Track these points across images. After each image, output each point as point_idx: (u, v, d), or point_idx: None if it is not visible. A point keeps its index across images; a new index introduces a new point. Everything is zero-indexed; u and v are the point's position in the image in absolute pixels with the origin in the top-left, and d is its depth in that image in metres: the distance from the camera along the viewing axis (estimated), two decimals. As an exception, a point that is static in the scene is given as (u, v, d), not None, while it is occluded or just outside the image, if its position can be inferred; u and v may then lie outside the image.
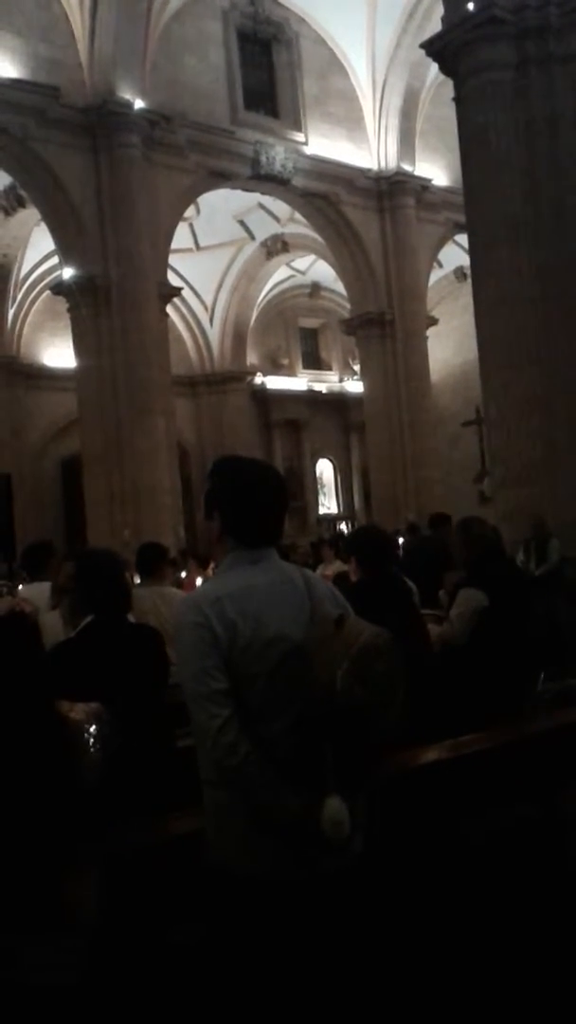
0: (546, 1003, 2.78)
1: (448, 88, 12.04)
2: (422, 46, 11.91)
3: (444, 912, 2.78)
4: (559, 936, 2.93)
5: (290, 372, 26.32)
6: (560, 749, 3.37)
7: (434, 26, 12.37)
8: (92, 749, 2.67)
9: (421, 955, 2.72)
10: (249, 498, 2.25)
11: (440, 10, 11.36)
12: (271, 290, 24.81)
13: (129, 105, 15.38)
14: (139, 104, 15.51)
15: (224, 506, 2.25)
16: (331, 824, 2.01)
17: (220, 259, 22.70)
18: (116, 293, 15.35)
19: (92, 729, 2.69)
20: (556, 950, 2.90)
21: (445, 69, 11.47)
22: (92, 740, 2.68)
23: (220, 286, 23.43)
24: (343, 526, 24.98)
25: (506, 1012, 2.74)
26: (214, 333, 24.03)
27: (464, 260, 15.95)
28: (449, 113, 12.02)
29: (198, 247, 21.63)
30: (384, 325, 19.82)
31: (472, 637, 4.42)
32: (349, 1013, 2.17)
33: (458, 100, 11.13)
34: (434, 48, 11.33)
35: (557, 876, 2.98)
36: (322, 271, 23.48)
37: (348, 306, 21.21)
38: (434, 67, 13.37)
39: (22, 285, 20.44)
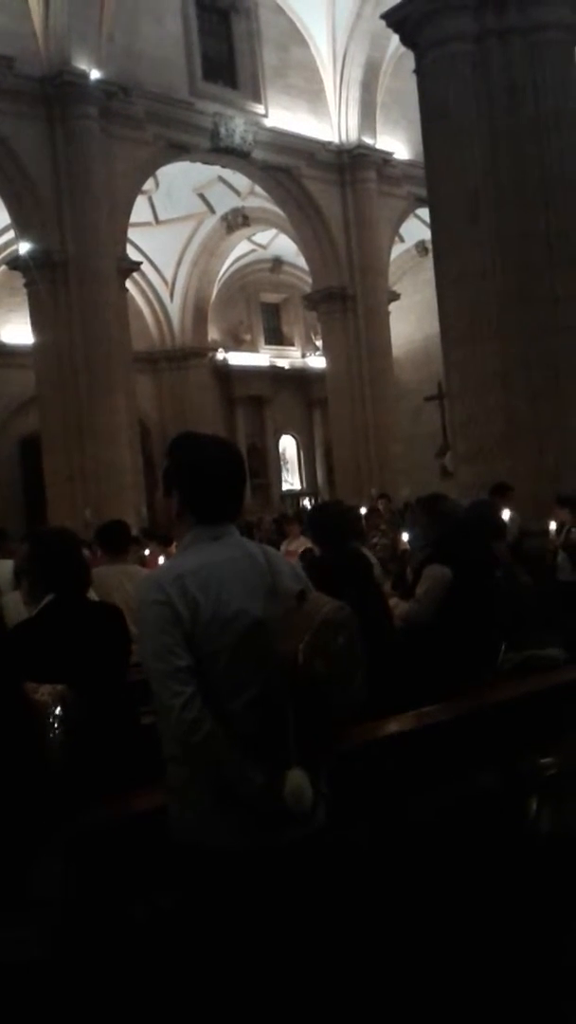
0: (506, 963, 2.84)
1: (409, 60, 11.97)
2: (383, 17, 11.78)
3: (408, 878, 2.81)
4: (518, 898, 2.99)
5: (252, 348, 26.19)
6: (520, 718, 3.42)
7: (394, -4, 12.25)
8: (57, 730, 2.66)
9: (387, 922, 2.76)
10: (208, 474, 2.26)
11: (400, -20, 11.25)
12: (232, 264, 24.61)
13: (85, 75, 15.08)
14: (95, 74, 15.21)
15: (183, 483, 2.25)
16: (294, 796, 2.04)
17: (180, 233, 22.45)
18: (74, 268, 15.12)
19: (57, 711, 2.68)
20: (515, 912, 2.96)
21: (406, 41, 11.38)
22: (57, 722, 2.67)
23: (180, 261, 23.19)
24: (307, 502, 25.03)
25: (469, 974, 2.80)
26: (174, 308, 23.80)
27: (425, 234, 15.93)
28: (410, 86, 11.94)
29: (157, 221, 21.37)
30: (346, 300, 19.79)
31: (439, 614, 4.46)
32: (318, 980, 2.21)
33: (419, 72, 11.05)
34: (394, 19, 11.22)
35: (516, 841, 3.04)
36: (284, 245, 23.33)
37: (310, 281, 21.12)
38: (395, 38, 13.25)
39: (-23, 260, 20.08)
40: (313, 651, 2.03)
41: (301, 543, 9.33)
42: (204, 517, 2.24)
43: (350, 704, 2.15)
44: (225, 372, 25.06)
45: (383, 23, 11.88)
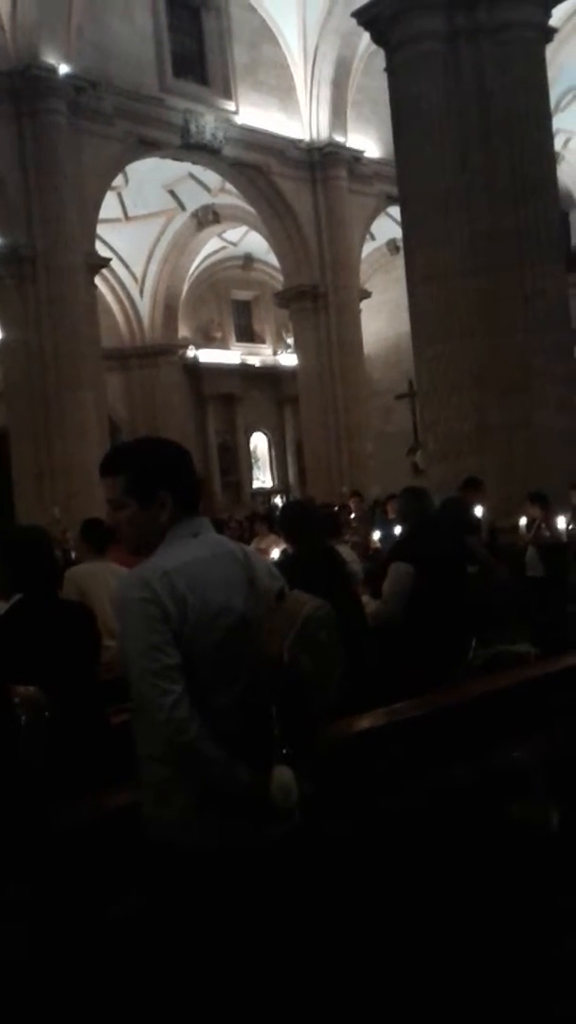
0: (483, 958, 2.85)
1: (380, 58, 11.98)
2: (353, 15, 11.80)
3: (383, 874, 2.82)
4: (495, 891, 3.01)
5: (223, 345, 26.13)
6: (491, 713, 3.44)
7: (365, -6, 12.26)
8: (29, 730, 2.64)
9: (366, 916, 2.77)
10: (191, 469, 2.29)
11: (371, -22, 11.26)
12: (203, 261, 24.53)
13: (54, 70, 14.92)
14: (64, 69, 15.06)
15: (174, 482, 2.22)
16: (282, 793, 2.04)
17: (150, 229, 22.34)
18: (42, 264, 14.96)
19: (29, 711, 2.66)
20: (491, 906, 2.98)
21: (377, 39, 11.40)
22: (29, 722, 2.65)
23: (150, 257, 23.06)
24: (278, 500, 25.04)
25: (442, 966, 2.81)
26: (144, 305, 23.67)
27: (397, 233, 15.99)
28: (381, 84, 11.97)
29: (127, 217, 21.24)
30: (317, 298, 19.80)
31: (409, 610, 4.47)
32: (298, 977, 2.20)
33: (390, 71, 11.08)
34: (365, 17, 11.25)
35: (491, 833, 3.06)
36: (255, 242, 23.29)
37: (281, 278, 21.11)
38: (366, 36, 13.27)
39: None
40: (299, 647, 2.04)
41: (270, 541, 9.34)
42: (191, 511, 2.23)
43: (330, 699, 2.16)
44: (196, 369, 24.98)
45: (354, 21, 11.91)
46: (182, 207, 22.02)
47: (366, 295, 21.51)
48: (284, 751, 2.05)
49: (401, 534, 4.89)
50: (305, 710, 2.10)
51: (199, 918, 2.08)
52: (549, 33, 11.12)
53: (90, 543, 5.30)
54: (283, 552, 5.87)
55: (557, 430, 10.35)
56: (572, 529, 8.13)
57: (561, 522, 8.21)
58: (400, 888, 2.80)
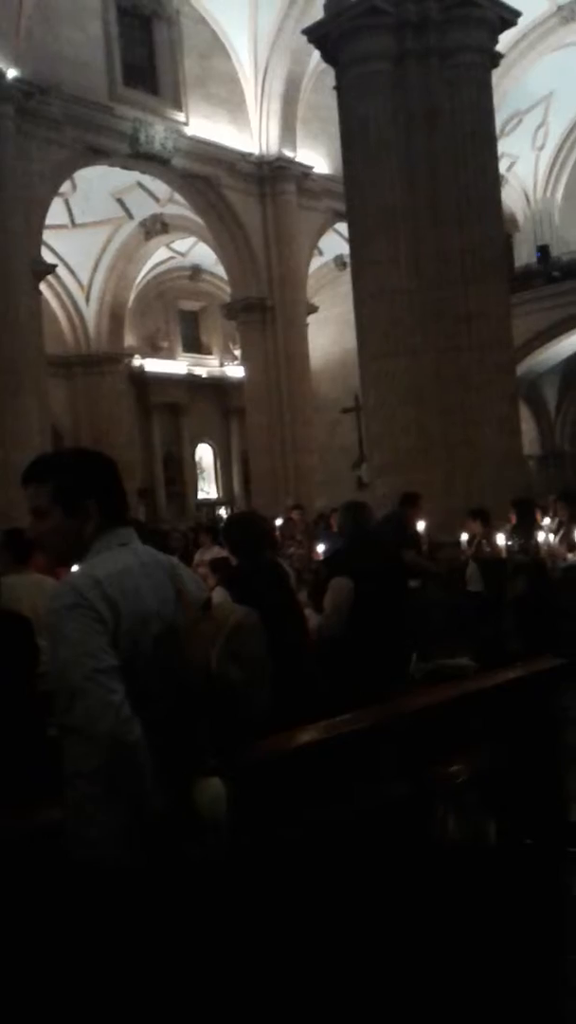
0: (412, 974, 2.86)
1: (330, 76, 12.11)
2: (304, 32, 11.92)
3: (314, 889, 2.81)
4: (427, 908, 3.02)
5: (170, 355, 26.03)
6: (430, 727, 3.46)
7: (317, 12, 12.39)
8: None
9: (291, 935, 2.75)
10: (117, 478, 2.28)
11: (323, -4, 11.39)
12: (150, 271, 24.44)
13: (2, 74, 14.77)
14: (12, 73, 14.92)
15: (100, 491, 2.21)
16: (213, 805, 2.01)
17: (97, 237, 22.18)
18: (-14, 268, 14.75)
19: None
20: (423, 922, 2.98)
21: (327, 57, 11.53)
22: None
23: (97, 265, 22.90)
24: (222, 511, 24.97)
25: (373, 984, 2.81)
26: (90, 313, 23.47)
27: (344, 249, 16.13)
28: (331, 101, 12.09)
29: (74, 224, 21.06)
30: (265, 310, 19.86)
31: (349, 624, 4.49)
32: (226, 995, 2.18)
33: (339, 89, 11.21)
34: (315, 35, 11.37)
35: (425, 849, 3.07)
36: (203, 254, 23.29)
37: (229, 290, 21.12)
38: (316, 54, 13.40)
39: None
40: (228, 656, 2.03)
41: (214, 553, 9.29)
42: (119, 521, 2.22)
43: (260, 709, 2.14)
44: (141, 379, 24.83)
45: (305, 38, 12.02)
46: (130, 216, 21.92)
47: (313, 309, 21.65)
48: (213, 762, 2.03)
49: (338, 548, 4.91)
50: (234, 720, 2.08)
51: (124, 937, 2.05)
52: (496, 58, 11.37)
53: (13, 553, 5.20)
54: (215, 563, 5.84)
55: (498, 448, 10.54)
56: (511, 545, 8.26)
57: (500, 538, 8.34)
58: (332, 903, 2.80)
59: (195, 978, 2.12)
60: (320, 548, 10.25)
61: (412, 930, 2.94)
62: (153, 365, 25.18)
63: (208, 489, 27.10)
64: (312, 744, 3.05)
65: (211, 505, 26.13)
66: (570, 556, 7.84)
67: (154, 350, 25.54)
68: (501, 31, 11.24)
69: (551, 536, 8.19)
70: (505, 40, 12.47)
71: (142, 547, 2.27)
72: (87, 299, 23.34)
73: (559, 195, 25.76)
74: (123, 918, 2.05)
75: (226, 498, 26.94)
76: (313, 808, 2.80)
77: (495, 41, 11.19)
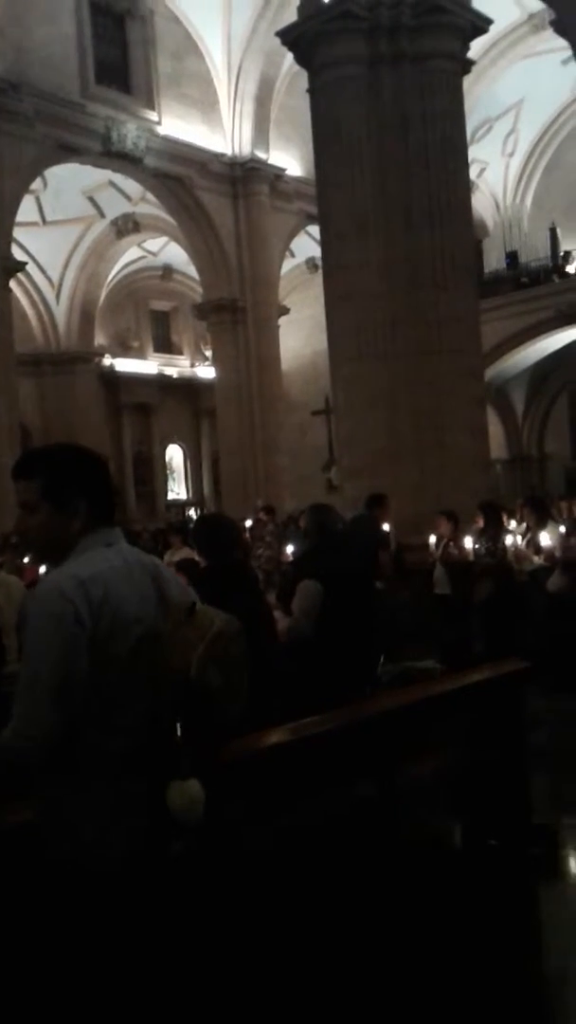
0: (379, 971, 2.88)
1: (303, 78, 12.13)
2: (277, 35, 11.93)
3: (286, 887, 2.83)
4: (395, 905, 3.04)
5: (140, 355, 25.92)
6: (396, 729, 3.48)
7: (291, 14, 12.41)
8: None
9: (267, 930, 2.76)
10: (108, 478, 2.26)
11: (297, -1, 11.42)
12: (121, 270, 24.31)
13: (-28, 67, 14.67)
14: (-17, 67, 14.82)
15: (90, 490, 2.19)
16: (187, 807, 2.02)
17: (68, 235, 22.04)
18: (-45, 265, 14.64)
19: None
20: (390, 920, 3.01)
21: (300, 60, 11.55)
22: None
23: (67, 263, 22.74)
24: (192, 512, 24.91)
25: (344, 985, 2.83)
26: (60, 311, 23.31)
27: (316, 251, 16.17)
28: (304, 104, 12.11)
29: (44, 221, 20.92)
30: (236, 312, 19.86)
31: (318, 627, 4.50)
32: (204, 995, 2.19)
33: (312, 92, 11.23)
34: (289, 38, 11.38)
35: (391, 850, 3.10)
36: (174, 254, 23.22)
37: (200, 290, 21.08)
38: (289, 56, 13.42)
39: None
40: (208, 661, 2.04)
41: (184, 554, 9.26)
42: (102, 522, 2.21)
43: (237, 714, 2.16)
44: (112, 378, 24.70)
45: (278, 40, 12.03)
46: (102, 214, 21.81)
47: (285, 311, 21.68)
48: (189, 765, 2.05)
49: (304, 550, 4.92)
50: (213, 723, 2.10)
51: (100, 938, 2.05)
52: (467, 65, 11.44)
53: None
54: (183, 564, 5.83)
55: (467, 451, 10.61)
56: (478, 548, 8.32)
57: (468, 541, 8.40)
58: (300, 904, 2.81)
59: (170, 976, 2.12)
60: (289, 550, 10.27)
61: (376, 928, 2.96)
62: (124, 365, 25.05)
63: (178, 490, 27.02)
64: (278, 747, 3.06)
65: (181, 506, 26.06)
66: (536, 559, 7.91)
67: (125, 350, 25.42)
68: (473, 38, 11.32)
69: (518, 539, 8.27)
70: (476, 47, 12.56)
71: (128, 548, 2.26)
72: (57, 297, 23.18)
73: (528, 202, 26.02)
74: (98, 919, 2.05)
75: (196, 499, 26.88)
76: (281, 810, 2.82)
77: (467, 48, 11.26)
